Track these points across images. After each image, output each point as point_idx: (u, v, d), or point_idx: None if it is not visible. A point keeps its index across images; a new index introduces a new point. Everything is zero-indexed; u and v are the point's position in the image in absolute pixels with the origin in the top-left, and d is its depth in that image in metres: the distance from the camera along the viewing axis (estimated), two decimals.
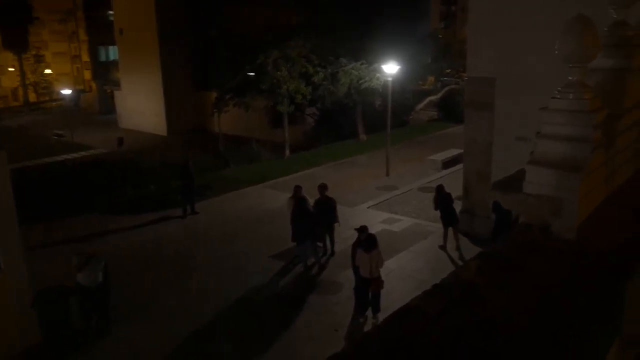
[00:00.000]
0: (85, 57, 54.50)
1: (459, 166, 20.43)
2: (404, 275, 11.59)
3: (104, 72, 46.91)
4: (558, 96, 3.89)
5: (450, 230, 13.10)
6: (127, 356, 9.26)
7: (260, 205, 17.38)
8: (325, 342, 9.40)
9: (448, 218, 13.04)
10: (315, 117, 29.82)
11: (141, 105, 37.05)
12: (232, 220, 15.97)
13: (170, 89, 34.87)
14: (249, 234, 14.67)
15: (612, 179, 4.37)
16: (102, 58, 48.26)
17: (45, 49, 60.94)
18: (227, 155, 24.71)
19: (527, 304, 2.95)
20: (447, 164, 21.32)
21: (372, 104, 27.55)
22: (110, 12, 40.83)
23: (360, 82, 24.20)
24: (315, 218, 12.21)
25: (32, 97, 58.15)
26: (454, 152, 22.32)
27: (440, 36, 36.90)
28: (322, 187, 12.71)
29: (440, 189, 13.14)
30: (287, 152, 24.97)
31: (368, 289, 9.81)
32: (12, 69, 57.75)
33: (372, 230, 11.16)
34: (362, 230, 10.25)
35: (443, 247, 13.06)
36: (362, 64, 24.07)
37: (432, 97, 34.37)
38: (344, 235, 13.25)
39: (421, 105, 33.57)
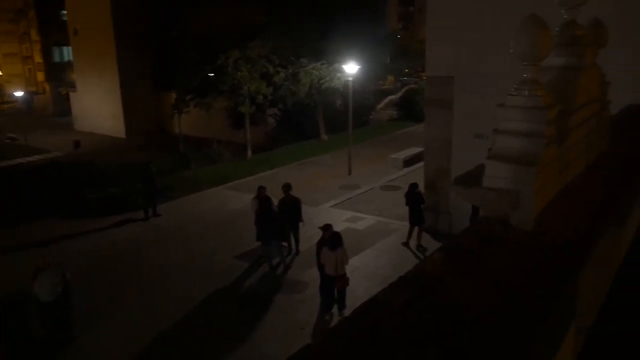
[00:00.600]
0: (38, 58, 52.73)
1: (420, 164, 20.79)
2: (368, 273, 11.74)
3: (58, 74, 45.54)
4: (514, 93, 4.05)
5: (416, 229, 13.31)
6: (92, 352, 9.09)
7: (223, 206, 17.28)
8: (292, 341, 9.44)
9: (416, 217, 13.21)
10: (277, 117, 29.79)
11: (98, 107, 36.17)
12: (195, 221, 15.83)
13: (128, 90, 34.16)
14: (212, 235, 14.58)
15: (565, 172, 4.56)
16: (56, 59, 46.86)
17: None
18: (188, 157, 24.42)
19: (489, 293, 3.06)
20: (408, 162, 21.67)
21: (333, 104, 27.74)
22: (64, 11, 39.70)
23: (321, 82, 24.33)
24: (279, 218, 12.24)
25: None
26: (415, 150, 22.69)
27: (399, 37, 37.44)
28: (287, 187, 12.74)
29: (413, 187, 13.22)
30: (249, 153, 24.87)
31: (334, 286, 9.90)
32: None
33: (336, 228, 11.27)
34: (327, 228, 10.34)
35: (406, 244, 13.27)
36: (322, 64, 24.19)
37: (392, 97, 34.87)
38: (308, 235, 13.32)
39: (381, 105, 34.00)
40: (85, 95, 37.67)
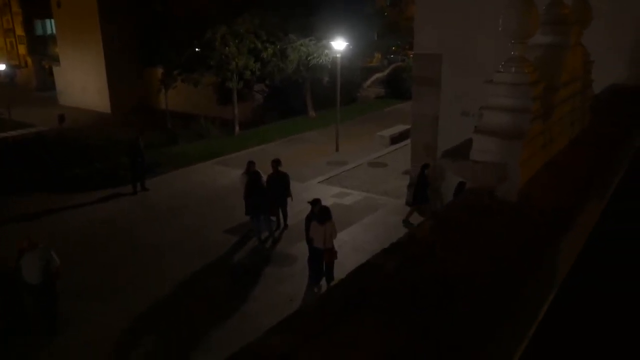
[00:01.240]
0: (20, 31, 51.67)
1: (407, 141, 21.01)
2: (356, 247, 11.97)
3: (40, 47, 44.70)
4: (501, 70, 4.20)
5: (413, 208, 13.39)
6: (84, 335, 9.20)
7: (212, 181, 17.36)
8: (281, 313, 9.56)
9: (419, 196, 13.17)
10: (264, 93, 29.68)
11: (82, 82, 35.66)
12: (183, 196, 15.92)
13: (113, 64, 33.68)
14: (201, 210, 14.69)
15: (549, 147, 4.75)
16: (39, 32, 45.95)
17: None
18: (175, 132, 24.32)
19: (476, 260, 3.24)
20: (395, 139, 21.85)
21: (321, 81, 27.69)
22: None
23: (309, 58, 24.26)
24: (268, 193, 12.38)
25: None
26: (401, 128, 22.87)
27: (387, 14, 37.19)
28: (276, 162, 12.84)
29: (423, 168, 12.97)
30: (237, 128, 24.84)
31: (322, 259, 10.10)
32: None
33: (324, 204, 11.42)
34: (316, 202, 10.49)
35: (406, 221, 13.39)
36: (310, 40, 24.09)
37: (379, 74, 34.79)
38: (296, 210, 13.49)
39: (368, 82, 33.95)
40: (69, 69, 37.09)
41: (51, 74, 41.43)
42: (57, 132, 22.85)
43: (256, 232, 12.59)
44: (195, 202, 15.36)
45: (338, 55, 20.70)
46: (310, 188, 16.10)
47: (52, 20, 39.57)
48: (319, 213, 9.94)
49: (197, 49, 23.35)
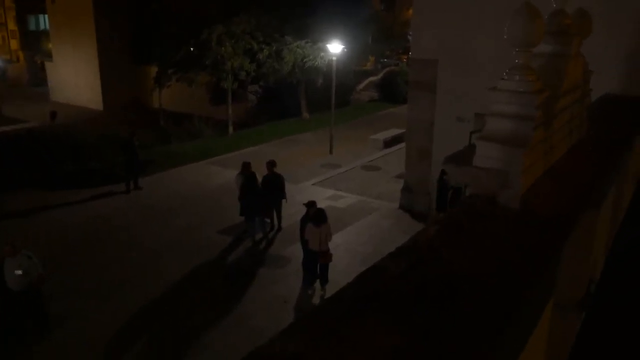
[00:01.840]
0: (12, 26, 51.26)
1: (400, 146, 21.12)
2: (350, 250, 12.01)
3: (33, 42, 44.37)
4: (506, 77, 4.25)
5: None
6: (79, 334, 9.14)
7: (206, 181, 17.33)
8: (274, 314, 9.68)
9: (440, 203, 12.87)
10: (258, 94, 29.67)
11: (75, 78, 35.44)
12: (177, 195, 15.87)
13: (106, 61, 33.50)
14: (195, 209, 14.66)
15: (549, 155, 4.82)
16: (32, 27, 45.60)
17: None
18: (168, 131, 24.24)
19: (479, 263, 3.29)
20: (389, 143, 21.95)
21: (314, 83, 27.74)
22: None
23: (305, 60, 24.30)
24: (263, 194, 12.38)
25: None
26: (395, 132, 22.99)
27: (381, 18, 37.37)
28: (271, 164, 12.85)
29: (442, 173, 12.52)
30: (231, 129, 24.81)
31: (317, 262, 10.13)
32: None
33: (318, 206, 11.45)
34: (311, 205, 10.52)
35: None
36: (306, 42, 24.14)
37: (373, 78, 34.95)
38: (290, 211, 13.51)
39: (361, 86, 34.07)
40: (61, 65, 36.84)
41: (43, 69, 41.14)
42: (50, 128, 22.67)
43: (250, 233, 12.59)
44: (189, 202, 15.32)
45: (334, 58, 20.75)
46: (304, 190, 16.12)
47: (46, 16, 39.29)
48: (315, 216, 9.97)
49: (192, 49, 23.29)
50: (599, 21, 5.74)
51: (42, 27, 43.85)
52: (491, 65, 11.94)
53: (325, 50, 23.04)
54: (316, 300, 10.23)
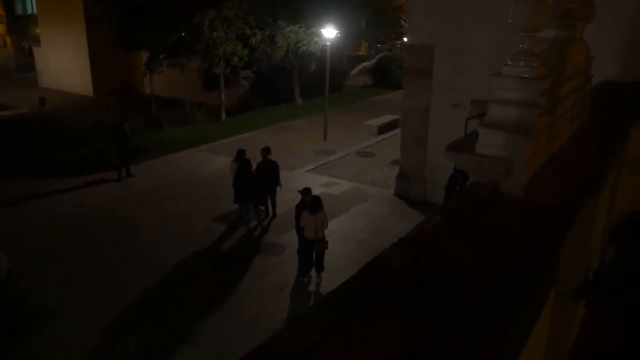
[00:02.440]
0: None
1: (394, 132, 21.03)
2: (345, 237, 11.94)
3: (21, 27, 43.58)
4: (510, 63, 4.14)
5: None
6: (70, 325, 9.04)
7: (199, 167, 17.18)
8: (270, 301, 9.64)
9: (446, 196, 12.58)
10: (250, 80, 29.38)
11: (64, 63, 34.90)
12: (170, 182, 15.71)
13: (96, 46, 32.99)
14: (189, 197, 14.52)
15: (552, 142, 4.74)
16: (19, 11, 44.76)
17: None
18: (160, 117, 23.95)
19: (483, 254, 3.23)
20: (383, 129, 21.83)
21: (308, 69, 27.50)
22: None
23: (298, 45, 24.03)
24: (258, 181, 12.26)
25: None
26: (389, 117, 22.87)
27: (375, 3, 37.04)
28: (265, 150, 12.71)
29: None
30: (223, 115, 24.57)
31: (312, 249, 10.05)
32: None
33: (313, 193, 11.35)
34: (306, 192, 10.41)
35: None
36: (300, 27, 23.86)
37: (366, 64, 34.71)
38: (284, 198, 13.43)
39: (354, 72, 33.84)
40: (50, 50, 36.27)
41: (31, 54, 40.52)
42: (39, 115, 22.33)
43: (245, 220, 12.48)
44: (181, 189, 15.17)
45: (328, 43, 20.53)
46: (298, 177, 16.01)
47: (33, 0, 38.61)
48: (311, 203, 9.87)
49: (183, 33, 22.92)
50: (596, 7, 5.63)
51: (29, 11, 43.07)
52: (488, 51, 11.87)
53: (319, 35, 22.78)
54: (312, 287, 10.18)
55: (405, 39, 26.82)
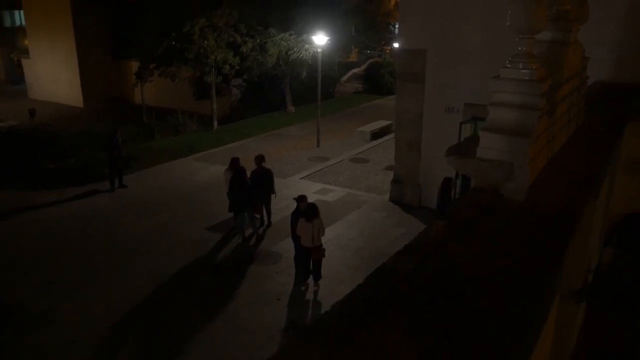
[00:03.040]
0: None
1: (387, 137, 21.04)
2: (341, 244, 11.87)
3: (9, 39, 43.37)
4: (509, 65, 4.11)
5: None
6: (67, 334, 8.91)
7: (192, 177, 17.06)
8: (267, 311, 9.53)
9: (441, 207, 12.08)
10: (242, 88, 29.33)
11: (53, 75, 34.74)
12: (163, 192, 15.58)
13: (85, 57, 32.87)
14: (182, 207, 14.39)
15: (552, 145, 4.71)
16: (7, 23, 44.57)
17: None
18: (152, 127, 23.82)
19: (487, 261, 3.19)
20: (376, 135, 21.84)
21: (299, 76, 27.49)
22: None
23: (289, 53, 24.03)
24: (252, 189, 12.18)
25: None
26: (382, 123, 22.90)
27: (364, 9, 37.15)
28: (259, 158, 12.64)
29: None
30: (215, 123, 24.48)
31: (309, 257, 9.96)
32: None
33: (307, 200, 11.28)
34: (301, 199, 10.33)
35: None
36: (290, 34, 23.87)
37: (356, 70, 34.75)
38: (279, 206, 13.35)
39: (345, 78, 33.86)
40: (39, 62, 36.08)
41: (20, 66, 40.29)
42: (29, 126, 22.14)
43: (240, 229, 12.38)
44: (175, 198, 15.05)
45: (319, 50, 20.54)
46: (292, 184, 15.94)
47: (21, 11, 38.41)
48: (307, 210, 9.79)
49: (174, 42, 22.84)
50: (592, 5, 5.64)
51: (17, 23, 42.86)
52: (481, 54, 11.90)
53: (309, 42, 22.78)
54: (310, 296, 10.09)
55: (395, 45, 26.91)
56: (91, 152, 17.21)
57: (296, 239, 10.09)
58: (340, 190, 15.63)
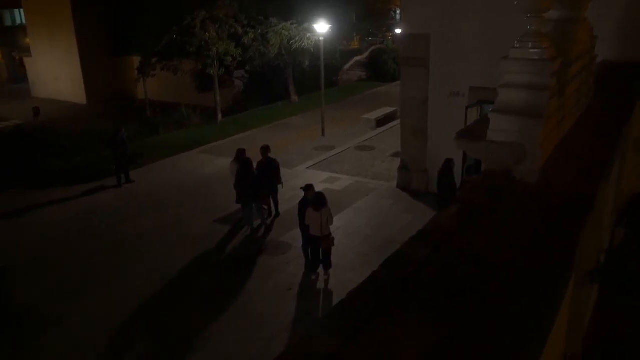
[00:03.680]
0: None
1: (393, 124, 20.93)
2: (350, 232, 11.83)
3: (10, 38, 43.34)
4: (518, 45, 4.02)
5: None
6: (71, 333, 8.94)
7: (198, 170, 17.05)
8: (278, 302, 9.53)
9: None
10: (244, 80, 29.23)
11: (56, 72, 34.71)
12: (170, 186, 15.58)
13: (87, 54, 32.78)
14: (190, 200, 14.40)
15: (562, 125, 4.63)
16: (8, 22, 44.51)
17: None
18: (156, 122, 23.79)
19: (501, 246, 3.13)
20: (381, 122, 21.73)
21: (301, 65, 27.37)
22: None
23: (291, 42, 23.88)
24: (259, 180, 12.14)
25: None
26: (387, 110, 22.76)
27: None
28: (265, 149, 12.59)
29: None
30: (220, 116, 24.42)
31: (318, 246, 9.93)
32: None
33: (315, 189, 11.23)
34: (308, 188, 10.29)
35: None
36: (292, 23, 23.70)
37: (359, 57, 34.52)
38: (286, 196, 13.32)
39: (348, 66, 33.67)
40: (41, 60, 36.05)
41: (22, 65, 40.29)
42: (34, 125, 22.17)
43: (248, 220, 12.36)
44: (182, 192, 15.05)
45: (321, 39, 20.39)
46: (299, 174, 15.90)
47: (22, 10, 38.34)
48: (315, 200, 9.74)
49: (175, 36, 22.73)
50: None
51: (18, 22, 42.80)
52: (485, 37, 11.75)
53: (311, 30, 22.62)
54: (321, 285, 10.08)
55: (397, 31, 26.69)
56: (96, 150, 17.21)
57: (304, 228, 10.06)
58: (347, 179, 15.58)
